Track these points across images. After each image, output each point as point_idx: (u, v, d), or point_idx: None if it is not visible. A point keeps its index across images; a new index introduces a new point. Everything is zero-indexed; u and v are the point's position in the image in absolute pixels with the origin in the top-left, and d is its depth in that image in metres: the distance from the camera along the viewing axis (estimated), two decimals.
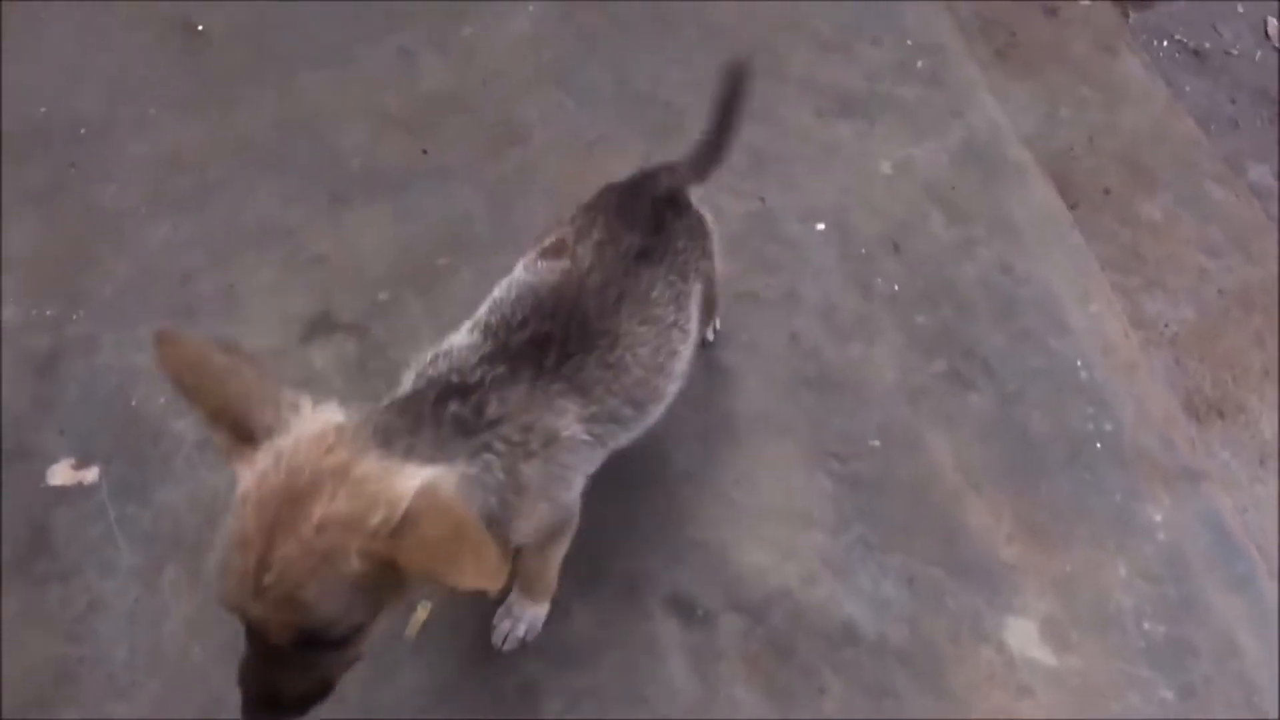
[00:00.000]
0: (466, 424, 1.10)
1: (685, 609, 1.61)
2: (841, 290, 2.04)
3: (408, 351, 1.89)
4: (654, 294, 1.35)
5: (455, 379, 1.16)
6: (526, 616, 1.54)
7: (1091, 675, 1.59)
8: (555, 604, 1.57)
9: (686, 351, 1.42)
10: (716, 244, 1.57)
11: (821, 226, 2.14)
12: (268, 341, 1.94)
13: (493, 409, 1.13)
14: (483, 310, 1.31)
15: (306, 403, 0.99)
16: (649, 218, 1.41)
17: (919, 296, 2.03)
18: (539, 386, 1.19)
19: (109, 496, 1.70)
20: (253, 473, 0.91)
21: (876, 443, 1.83)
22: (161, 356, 0.95)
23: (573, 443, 1.22)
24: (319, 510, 0.88)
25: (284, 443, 0.92)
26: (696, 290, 1.46)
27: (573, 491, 1.30)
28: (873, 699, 1.55)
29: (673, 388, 1.41)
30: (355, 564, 0.88)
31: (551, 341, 1.23)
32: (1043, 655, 1.61)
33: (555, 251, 1.36)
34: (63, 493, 1.70)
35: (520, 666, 1.53)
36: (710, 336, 1.89)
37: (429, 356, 1.25)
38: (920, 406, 1.88)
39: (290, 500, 0.88)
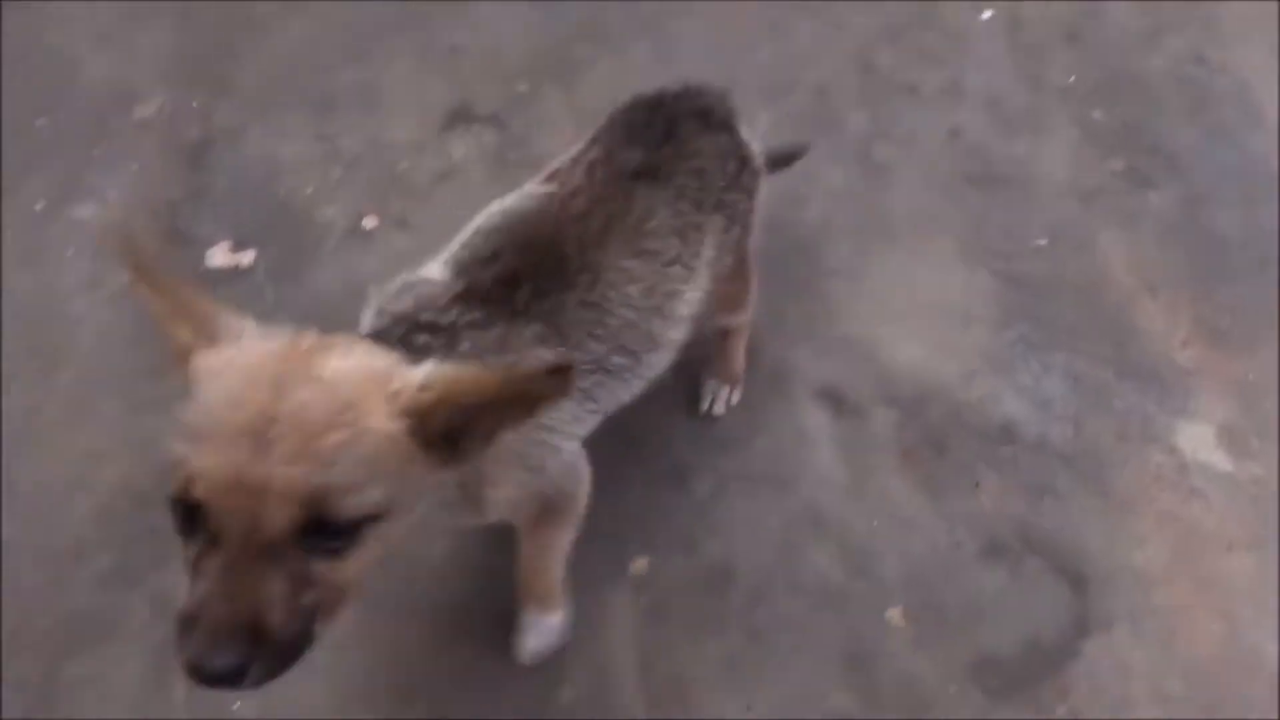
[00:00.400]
0: (438, 356, 0.92)
1: (836, 401, 1.58)
2: (1009, 83, 1.89)
3: (548, 143, 1.88)
4: (651, 223, 1.15)
5: (425, 317, 1.00)
6: (541, 627, 1.34)
7: (1272, 484, 1.51)
8: (701, 395, 1.56)
9: (692, 294, 1.21)
10: (763, 195, 1.33)
11: (988, 14, 1.97)
12: (406, 134, 1.92)
13: (466, 348, 0.99)
14: (457, 242, 1.13)
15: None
16: (659, 129, 1.20)
17: (1097, 89, 1.87)
18: (513, 331, 1.02)
19: (265, 278, 1.73)
20: (233, 351, 0.78)
21: (1043, 241, 1.72)
22: (129, 258, 0.84)
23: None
24: (333, 361, 0.76)
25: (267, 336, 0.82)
26: (716, 228, 1.23)
27: (561, 458, 1.12)
28: (1031, 497, 1.50)
29: (674, 334, 1.20)
30: (381, 422, 0.76)
31: (522, 278, 1.05)
32: (1218, 460, 1.53)
33: (552, 175, 1.18)
34: (221, 274, 1.74)
35: (670, 450, 1.53)
36: (720, 409, 1.55)
37: (395, 287, 1.08)
38: (1094, 206, 1.76)
39: (295, 357, 0.76)
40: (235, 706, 1.32)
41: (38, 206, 1.81)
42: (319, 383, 0.74)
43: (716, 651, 1.40)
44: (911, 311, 1.66)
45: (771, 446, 1.54)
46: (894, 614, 1.42)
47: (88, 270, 1.72)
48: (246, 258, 1.76)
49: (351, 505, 0.73)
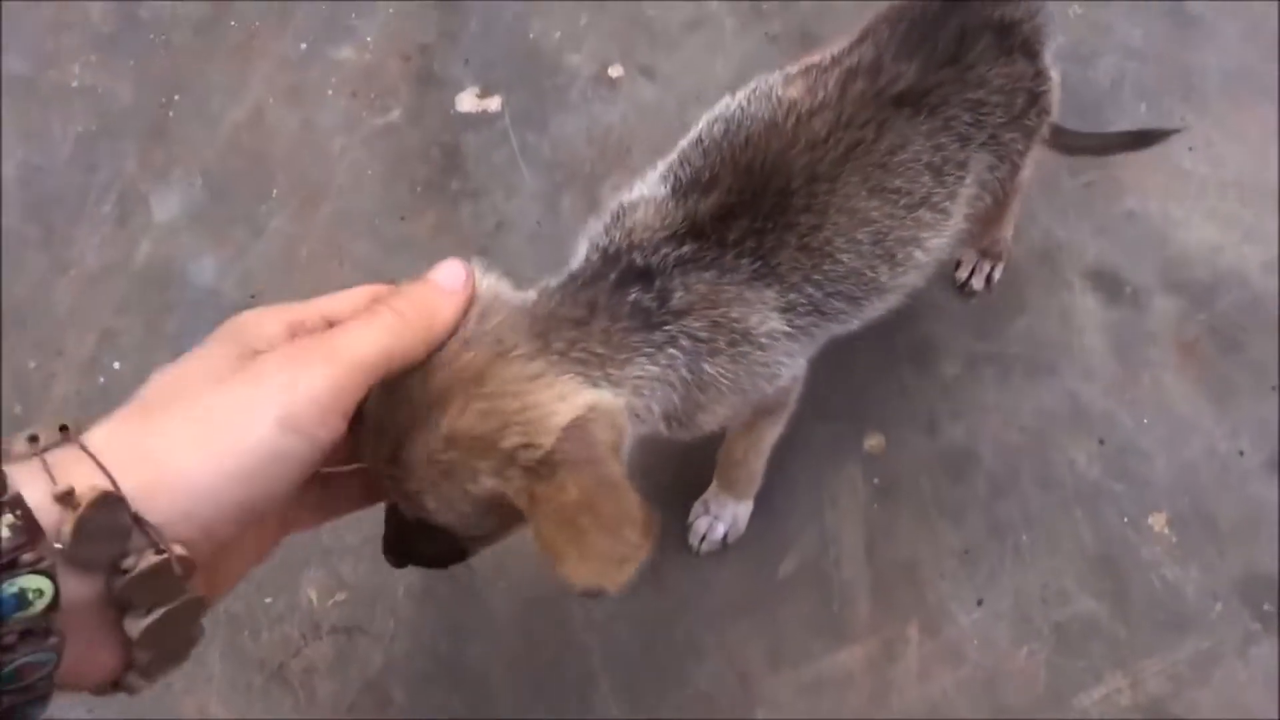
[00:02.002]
0: (650, 315, 0.87)
1: (1111, 284, 1.42)
2: None
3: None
4: (902, 155, 0.97)
5: (638, 260, 0.90)
6: (726, 515, 1.32)
7: None
8: (956, 265, 1.44)
9: (936, 240, 1.02)
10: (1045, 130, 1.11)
11: None
12: None
13: (678, 299, 0.89)
14: (677, 152, 1.00)
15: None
16: (944, 43, 0.99)
17: None
18: (725, 270, 0.92)
19: (511, 124, 1.73)
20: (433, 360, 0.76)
21: None
22: None
23: (771, 337, 0.95)
24: (445, 424, 0.72)
25: None
26: (980, 166, 1.03)
27: (778, 382, 1.02)
28: None
29: (907, 279, 1.03)
30: (483, 486, 0.73)
31: (738, 211, 0.93)
32: None
33: (805, 71, 1.00)
34: (469, 119, 1.75)
35: (917, 325, 1.44)
36: (979, 285, 1.43)
37: (612, 212, 0.97)
38: None
39: (420, 403, 0.73)
40: None
41: (302, 46, 1.86)
42: (432, 444, 0.73)
43: (951, 539, 1.33)
44: (1212, 189, 1.46)
45: (1032, 329, 1.41)
46: (1156, 519, 1.30)
47: (345, 109, 1.77)
48: (494, 103, 1.76)
49: (462, 533, 0.80)
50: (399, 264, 1.61)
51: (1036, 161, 1.18)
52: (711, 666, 1.29)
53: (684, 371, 0.88)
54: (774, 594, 1.32)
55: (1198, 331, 1.38)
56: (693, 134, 1.02)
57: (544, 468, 0.71)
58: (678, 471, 1.40)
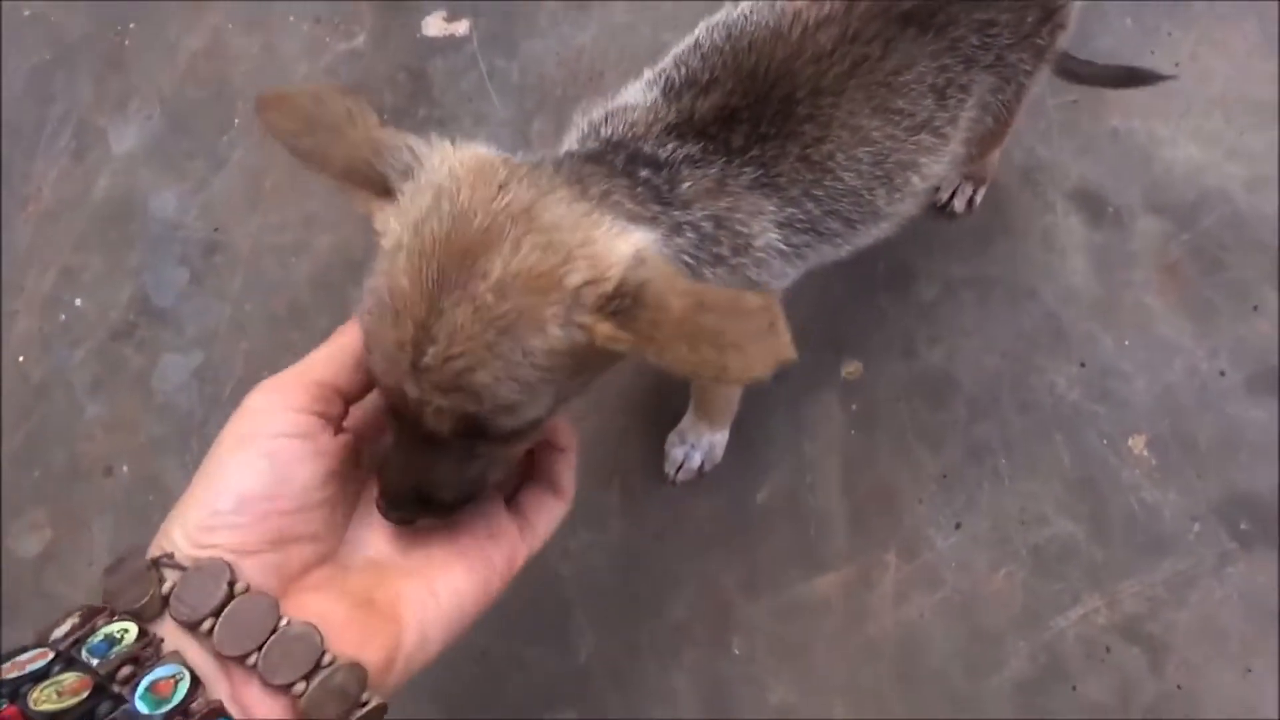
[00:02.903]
0: (660, 194, 0.82)
1: (1094, 205, 1.39)
2: None
3: None
4: (906, 76, 0.93)
5: (645, 148, 0.86)
6: (703, 444, 1.31)
7: None
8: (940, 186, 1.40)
9: (934, 166, 0.99)
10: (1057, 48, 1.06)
11: None
12: None
13: (686, 189, 0.85)
14: (669, 58, 0.96)
15: (445, 142, 0.73)
16: None
17: None
18: (729, 174, 0.88)
19: (479, 48, 1.67)
20: (403, 220, 0.67)
21: None
22: (268, 123, 0.70)
23: (766, 253, 0.92)
24: (498, 264, 0.63)
25: (440, 177, 0.68)
26: (984, 88, 1.01)
27: None
28: None
29: (904, 207, 1.01)
30: (551, 337, 0.64)
31: (740, 115, 0.89)
32: None
33: None
34: (436, 44, 1.69)
35: (895, 250, 1.40)
36: (960, 207, 1.40)
37: (600, 114, 0.93)
38: None
39: (458, 251, 0.64)
40: None
41: None
42: (480, 298, 0.63)
43: (929, 464, 1.31)
44: (1197, 107, 1.43)
45: (1012, 251, 1.39)
46: (1136, 441, 1.28)
47: (308, 35, 1.71)
48: (461, 27, 1.70)
49: (509, 424, 0.68)
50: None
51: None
52: (688, 596, 1.28)
53: (686, 270, 0.82)
54: (751, 523, 1.31)
55: (1180, 252, 1.36)
56: (688, 40, 0.98)
57: (618, 301, 0.64)
58: (651, 403, 1.38)
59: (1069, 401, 1.31)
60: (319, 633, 0.57)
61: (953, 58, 0.95)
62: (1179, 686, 1.19)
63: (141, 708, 0.52)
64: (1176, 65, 1.44)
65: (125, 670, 0.53)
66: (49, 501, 1.42)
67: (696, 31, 0.98)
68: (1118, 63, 1.32)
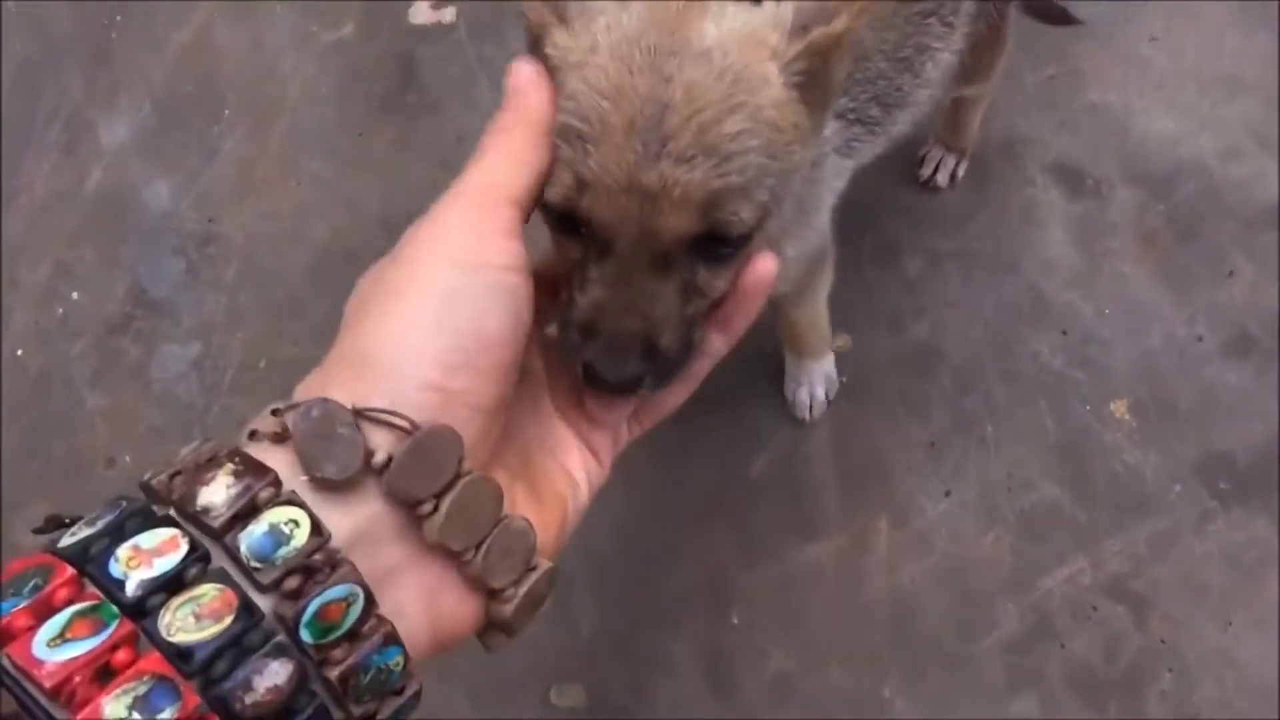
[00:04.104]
0: None
1: (1073, 177, 1.43)
2: None
3: None
4: None
5: None
6: (818, 377, 1.35)
7: None
8: (920, 161, 1.44)
9: (944, 55, 1.06)
10: None
11: None
12: None
13: None
14: None
15: None
16: None
17: None
18: None
19: (467, 35, 1.69)
20: (585, 35, 0.61)
21: None
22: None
23: (832, 147, 0.95)
24: (710, 28, 0.61)
25: None
26: None
27: (824, 213, 1.03)
28: None
29: (923, 94, 1.06)
30: (775, 88, 0.62)
31: None
32: None
33: None
34: (424, 31, 1.71)
35: (880, 225, 1.44)
36: (944, 180, 1.44)
37: None
38: None
39: (665, 29, 0.61)
40: None
41: None
42: (704, 56, 0.60)
43: (918, 434, 1.35)
44: (1174, 77, 1.46)
45: (994, 224, 1.42)
46: (1117, 406, 1.32)
47: (295, 25, 1.73)
48: (448, 14, 1.72)
49: (743, 216, 0.62)
50: (358, 181, 1.59)
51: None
52: (686, 568, 1.32)
53: None
54: (746, 494, 1.34)
55: (1157, 222, 1.39)
56: None
57: (814, 40, 0.61)
58: None
59: (1052, 369, 1.34)
60: (533, 531, 0.50)
61: None
62: (1162, 641, 1.23)
63: (306, 637, 0.40)
64: (1151, 39, 1.48)
65: (290, 582, 0.40)
66: (51, 494, 1.44)
67: None
68: (1091, 35, 1.36)
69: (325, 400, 0.44)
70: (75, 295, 1.57)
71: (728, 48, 0.60)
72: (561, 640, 1.29)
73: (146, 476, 0.43)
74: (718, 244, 0.62)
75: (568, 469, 0.58)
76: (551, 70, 0.61)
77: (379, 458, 0.44)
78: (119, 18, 1.78)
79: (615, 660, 1.29)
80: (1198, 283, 1.36)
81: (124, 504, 0.42)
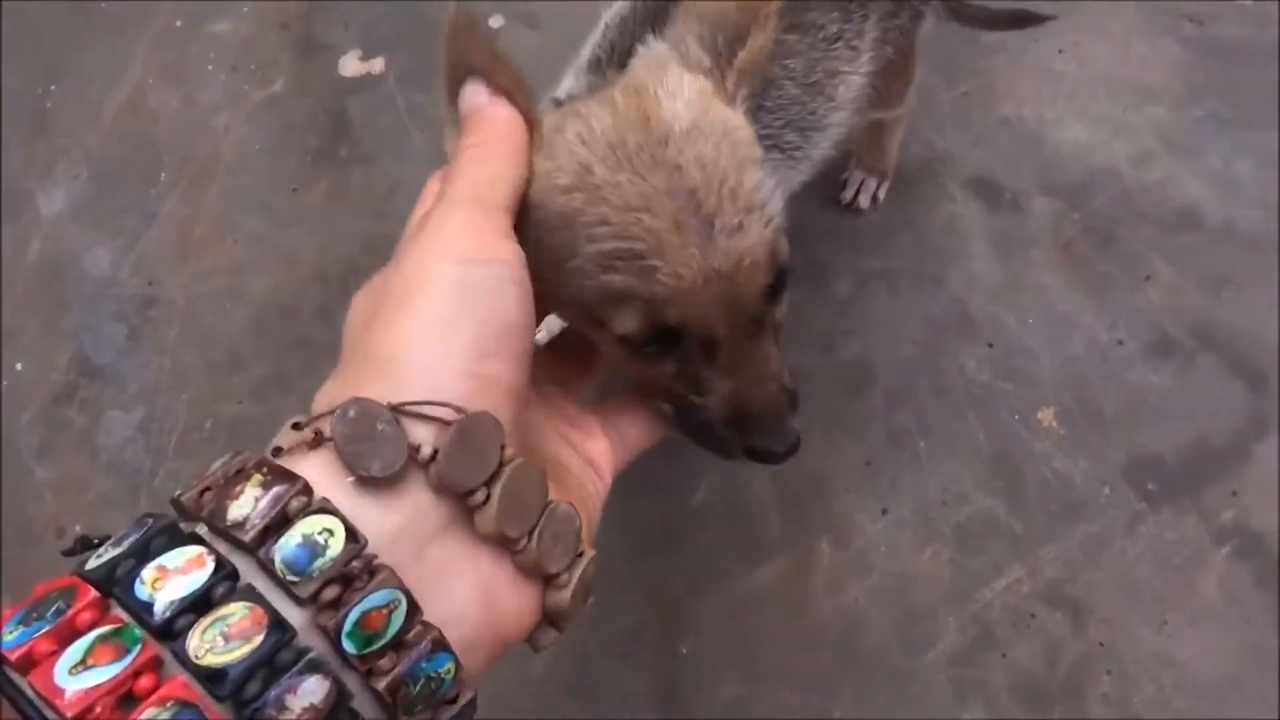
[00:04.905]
0: None
1: (991, 191, 1.46)
2: None
3: None
4: None
5: None
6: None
7: None
8: (843, 185, 1.47)
9: (854, 77, 1.08)
10: None
11: None
12: None
13: None
14: (588, 47, 0.95)
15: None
16: None
17: None
18: None
19: (396, 85, 1.71)
20: (559, 153, 0.61)
21: (1249, 0, 1.50)
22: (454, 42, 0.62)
23: None
24: (674, 105, 0.63)
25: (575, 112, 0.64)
26: (881, 10, 1.08)
27: None
28: (1208, 288, 1.37)
29: (838, 116, 1.08)
30: (740, 121, 0.65)
31: None
32: None
33: None
34: (354, 83, 1.73)
35: (807, 248, 1.46)
36: (865, 202, 1.47)
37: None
38: None
39: (636, 123, 0.61)
40: None
41: (177, 23, 1.83)
42: (691, 130, 0.61)
43: (854, 452, 1.37)
44: (1081, 90, 1.49)
45: (917, 242, 1.44)
46: (1045, 415, 1.34)
47: (227, 84, 1.75)
48: (377, 65, 1.74)
49: (784, 239, 0.65)
50: (294, 235, 1.61)
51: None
52: (634, 601, 1.33)
53: None
54: (689, 523, 1.36)
55: (1074, 230, 1.42)
56: (595, 33, 0.97)
57: (745, 67, 0.66)
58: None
59: (980, 382, 1.36)
60: (578, 514, 0.49)
61: None
62: (1101, 644, 1.25)
63: (349, 648, 0.39)
64: (1060, 52, 1.51)
65: (329, 592, 0.39)
66: (3, 568, 1.45)
67: (603, 18, 0.98)
68: (1002, 50, 1.39)
69: (360, 399, 0.43)
70: (19, 366, 1.58)
71: (698, 113, 0.62)
72: (513, 680, 1.30)
73: (177, 493, 0.43)
74: (778, 281, 0.64)
75: (588, 458, 0.59)
76: (527, 204, 0.60)
77: (424, 451, 0.43)
78: (53, 87, 1.80)
79: (569, 698, 1.30)
80: (1117, 288, 1.38)
81: (149, 522, 0.41)
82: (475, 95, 0.58)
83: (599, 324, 0.62)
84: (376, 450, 0.42)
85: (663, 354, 0.63)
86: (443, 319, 0.46)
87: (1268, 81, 1.45)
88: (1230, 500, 1.28)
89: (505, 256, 0.50)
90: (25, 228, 1.68)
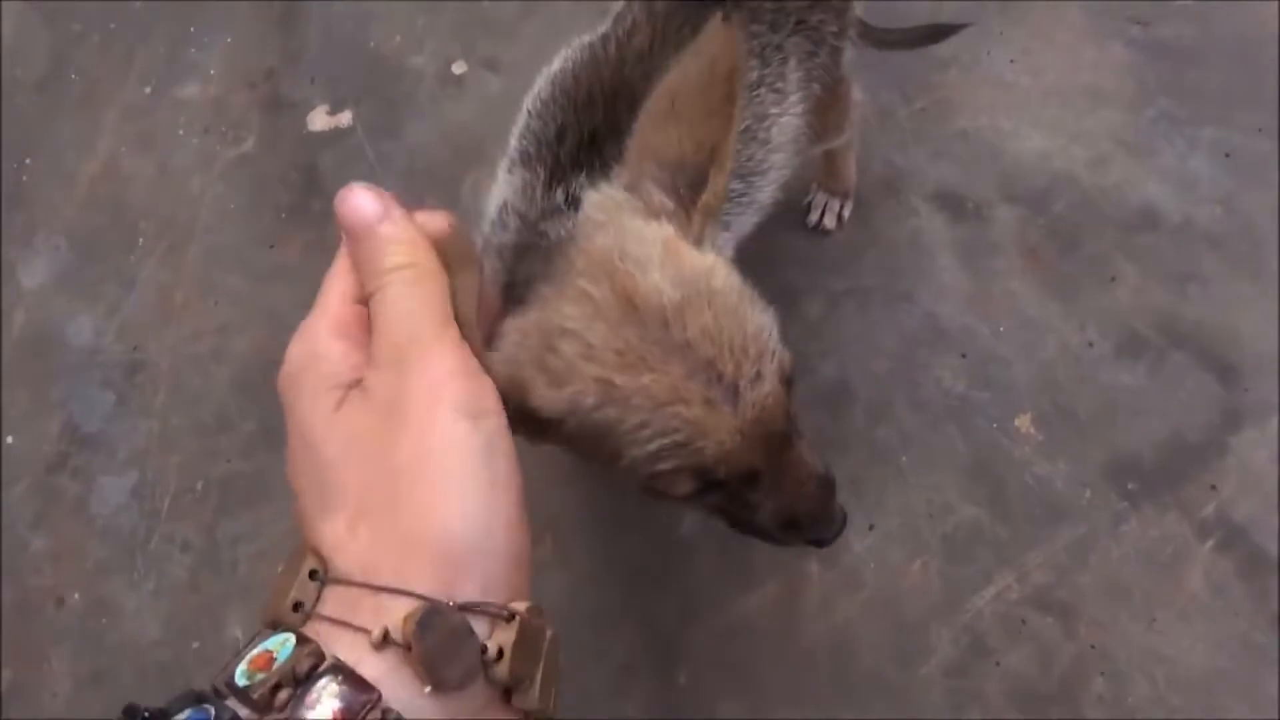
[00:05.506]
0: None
1: (953, 203, 1.48)
2: None
3: None
4: None
5: (545, 231, 0.83)
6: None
7: None
8: (807, 208, 1.49)
9: (785, 119, 1.08)
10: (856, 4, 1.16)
11: None
12: None
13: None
14: (512, 141, 0.97)
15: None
16: None
17: None
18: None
19: (365, 136, 1.73)
20: (571, 372, 0.62)
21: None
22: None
23: None
24: (657, 278, 0.64)
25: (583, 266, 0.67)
26: (799, 51, 1.08)
27: None
28: (1174, 285, 1.39)
29: (776, 158, 1.09)
30: (714, 259, 0.68)
31: (600, 134, 0.90)
32: None
33: (615, 19, 1.02)
34: (323, 137, 1.75)
35: (776, 271, 1.48)
36: (831, 223, 1.49)
37: (491, 218, 0.92)
38: None
39: (626, 313, 0.63)
40: None
41: (146, 90, 1.85)
42: (685, 301, 0.63)
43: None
44: (1035, 98, 1.52)
45: (884, 259, 1.46)
46: (1022, 421, 1.36)
47: (198, 147, 1.77)
48: (345, 118, 1.76)
49: (788, 355, 0.71)
50: (274, 292, 1.63)
51: (869, 78, 1.23)
52: (629, 635, 1.34)
53: None
54: (678, 554, 1.37)
55: (1038, 236, 1.44)
56: (521, 117, 1.00)
57: (705, 208, 0.69)
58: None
59: (956, 393, 1.38)
60: (547, 628, 0.51)
61: (758, 25, 1.04)
62: (1092, 646, 1.26)
63: None
64: (1011, 62, 1.53)
65: None
66: (4, 640, 1.46)
67: (524, 106, 1.01)
68: (955, 65, 1.42)
69: (434, 607, 0.44)
70: (10, 439, 1.59)
71: (676, 277, 0.64)
72: None
73: (242, 682, 0.43)
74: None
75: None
76: (549, 419, 0.63)
77: (491, 652, 0.46)
78: (29, 160, 1.82)
79: None
80: (1084, 290, 1.40)
81: (209, 711, 0.42)
82: (359, 203, 0.57)
83: (655, 493, 0.68)
84: (455, 658, 0.44)
85: (710, 492, 0.68)
86: (479, 491, 0.47)
87: (1215, 78, 1.48)
88: (1210, 494, 1.29)
89: (492, 404, 0.51)
90: (8, 301, 1.70)
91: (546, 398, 0.62)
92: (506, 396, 0.54)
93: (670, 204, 0.68)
